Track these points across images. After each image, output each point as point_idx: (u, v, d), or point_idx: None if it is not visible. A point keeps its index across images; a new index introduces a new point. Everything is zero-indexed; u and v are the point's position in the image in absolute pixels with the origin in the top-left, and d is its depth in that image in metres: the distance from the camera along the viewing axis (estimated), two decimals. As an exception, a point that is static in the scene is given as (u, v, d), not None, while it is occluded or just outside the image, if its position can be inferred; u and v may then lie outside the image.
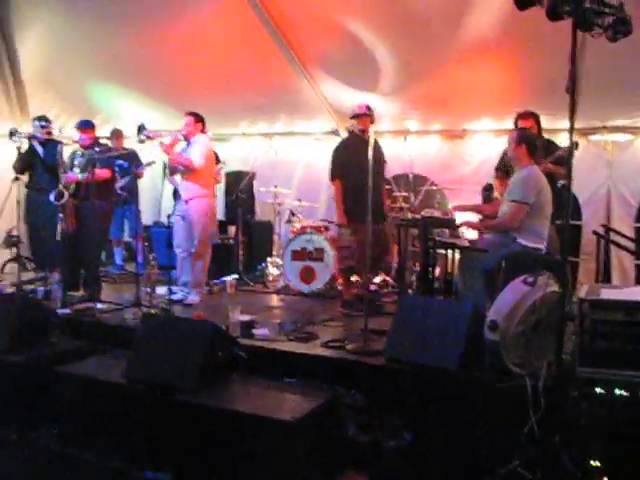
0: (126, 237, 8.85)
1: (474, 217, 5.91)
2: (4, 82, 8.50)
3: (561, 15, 3.20)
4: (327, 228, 7.53)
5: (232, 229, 8.61)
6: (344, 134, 8.17)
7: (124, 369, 4.09)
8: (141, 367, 4.07)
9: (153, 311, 5.83)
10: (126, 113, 8.83)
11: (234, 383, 4.12)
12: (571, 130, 3.33)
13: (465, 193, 7.26)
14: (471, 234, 6.08)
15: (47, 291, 6.39)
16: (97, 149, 6.58)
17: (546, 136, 6.05)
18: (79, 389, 4.27)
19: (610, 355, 3.30)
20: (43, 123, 7.05)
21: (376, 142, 6.20)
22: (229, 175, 9.01)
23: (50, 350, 4.93)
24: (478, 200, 6.78)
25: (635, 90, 6.25)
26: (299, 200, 8.14)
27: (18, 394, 4.53)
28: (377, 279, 7.10)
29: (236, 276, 7.66)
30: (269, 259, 8.28)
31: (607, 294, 3.56)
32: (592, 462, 3.20)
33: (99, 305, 6.07)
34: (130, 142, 8.23)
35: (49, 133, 7.08)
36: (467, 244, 5.41)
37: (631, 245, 6.39)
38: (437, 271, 5.96)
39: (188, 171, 6.41)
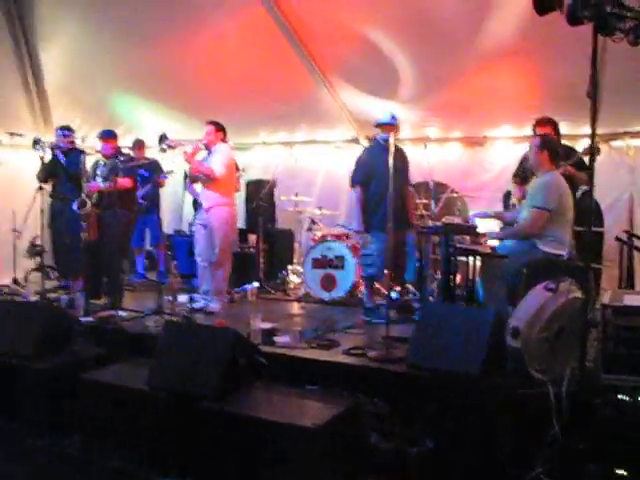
0: (148, 246, 8.90)
1: (495, 224, 5.88)
2: (28, 93, 8.59)
3: (581, 20, 3.20)
4: (348, 236, 7.53)
5: (253, 237, 8.62)
6: (364, 142, 8.22)
7: (147, 376, 4.11)
8: (164, 374, 4.10)
9: (175, 319, 5.85)
10: (147, 124, 8.88)
11: (256, 390, 4.12)
12: (593, 135, 3.32)
13: (486, 200, 7.24)
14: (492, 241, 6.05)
15: (70, 299, 6.46)
16: (121, 158, 6.64)
17: (567, 143, 6.00)
18: (103, 396, 4.30)
19: (634, 361, 3.27)
20: (66, 132, 7.17)
21: (401, 150, 6.23)
22: (250, 184, 9.07)
23: (74, 357, 4.97)
24: (499, 207, 6.76)
25: (657, 95, 6.18)
26: (319, 208, 8.13)
27: (42, 401, 4.58)
28: (398, 287, 7.07)
29: (257, 284, 7.66)
30: (290, 267, 8.30)
31: (630, 300, 3.54)
32: (617, 470, 3.17)
33: (121, 313, 6.10)
34: (152, 152, 8.28)
35: (72, 142, 7.20)
36: (488, 251, 5.38)
37: (654, 251, 6.31)
38: (458, 278, 5.94)
39: (209, 180, 6.44)
